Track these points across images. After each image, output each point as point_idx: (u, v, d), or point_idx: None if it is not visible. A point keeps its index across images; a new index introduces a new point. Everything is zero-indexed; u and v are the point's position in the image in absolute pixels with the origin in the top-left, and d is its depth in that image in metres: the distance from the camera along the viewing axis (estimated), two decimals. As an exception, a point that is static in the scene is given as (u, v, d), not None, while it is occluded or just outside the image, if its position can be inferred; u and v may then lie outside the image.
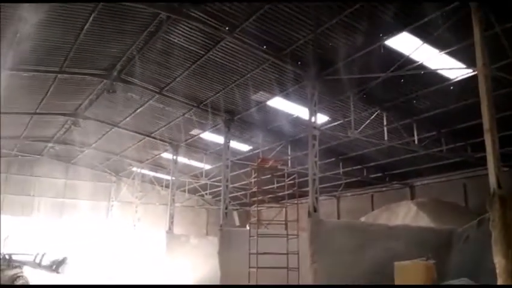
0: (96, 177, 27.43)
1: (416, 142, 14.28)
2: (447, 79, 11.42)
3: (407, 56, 10.37)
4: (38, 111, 17.93)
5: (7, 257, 17.56)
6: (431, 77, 11.44)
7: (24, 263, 17.70)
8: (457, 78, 11.24)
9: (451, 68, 10.85)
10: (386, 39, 10.32)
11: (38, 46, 12.11)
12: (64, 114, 19.04)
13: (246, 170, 20.33)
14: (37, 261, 18.49)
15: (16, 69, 12.81)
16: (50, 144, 23.44)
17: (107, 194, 27.65)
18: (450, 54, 10.33)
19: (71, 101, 17.63)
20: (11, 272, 16.87)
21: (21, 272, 17.04)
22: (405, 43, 10.31)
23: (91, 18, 11.02)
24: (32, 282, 16.91)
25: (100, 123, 19.59)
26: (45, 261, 18.65)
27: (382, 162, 18.14)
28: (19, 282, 16.58)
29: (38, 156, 25.49)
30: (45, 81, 14.99)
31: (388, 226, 12.67)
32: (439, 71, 11.05)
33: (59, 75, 14.52)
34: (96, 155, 24.86)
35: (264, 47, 11.70)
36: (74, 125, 19.50)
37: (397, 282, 10.49)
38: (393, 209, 16.37)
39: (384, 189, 20.49)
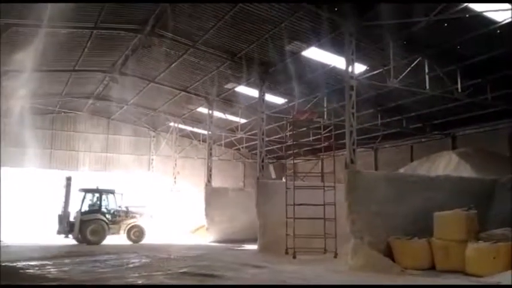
0: (136, 132, 28.23)
1: (459, 90, 13.66)
2: (494, 22, 10.66)
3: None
4: (76, 68, 18.31)
5: (125, 208, 19.88)
6: (476, 21, 10.72)
7: (139, 214, 20.10)
8: (504, 21, 10.47)
9: (497, 10, 10.09)
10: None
11: (74, 3, 12.16)
12: (102, 71, 19.39)
13: (281, 123, 20.27)
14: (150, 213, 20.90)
15: (53, 26, 12.98)
16: (90, 101, 24.12)
17: (147, 148, 28.46)
18: (498, -7, 9.60)
19: (108, 58, 17.86)
20: (129, 221, 19.67)
21: (136, 221, 19.75)
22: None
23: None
24: (145, 229, 19.79)
25: (137, 78, 19.84)
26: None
27: (422, 112, 17.57)
28: (135, 229, 19.58)
29: (80, 113, 26.33)
30: (81, 37, 15.18)
31: (428, 176, 12.43)
32: (484, 14, 10.32)
33: (95, 31, 14.64)
34: (135, 111, 25.44)
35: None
36: (112, 81, 19.89)
37: (436, 232, 10.43)
38: (434, 160, 16.01)
39: (423, 140, 19.98)
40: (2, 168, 19.32)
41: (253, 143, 25.09)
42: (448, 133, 18.89)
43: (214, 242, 19.56)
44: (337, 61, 14.17)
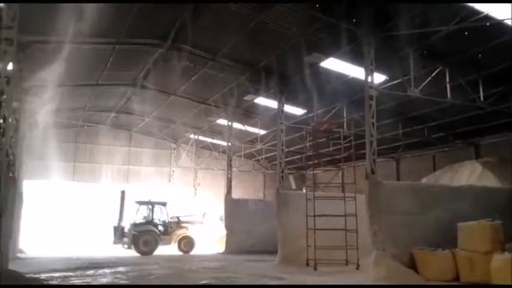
0: (157, 144, 28.58)
1: (482, 99, 13.48)
2: (516, 29, 10.54)
3: (471, 7, 9.65)
4: (99, 82, 18.74)
5: (176, 219, 20.84)
6: (497, 29, 10.59)
7: (191, 223, 21.07)
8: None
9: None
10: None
11: (96, 19, 12.49)
12: (124, 85, 19.79)
13: (301, 133, 20.27)
14: (201, 220, 21.82)
15: (76, 42, 13.34)
16: (112, 114, 24.59)
17: (168, 160, 28.77)
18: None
19: (130, 72, 18.22)
20: (180, 232, 20.65)
21: (187, 232, 20.76)
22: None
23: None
24: (195, 239, 20.71)
25: (158, 92, 20.17)
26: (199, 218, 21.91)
27: (444, 121, 17.34)
28: (185, 240, 20.55)
29: (103, 126, 26.83)
30: (104, 53, 15.55)
31: (451, 186, 12.26)
32: (505, 21, 10.20)
33: (117, 46, 15.00)
34: (156, 123, 25.80)
35: (317, 5, 11.33)
36: (133, 94, 20.25)
37: (460, 243, 10.24)
38: (457, 169, 15.77)
39: (446, 149, 19.69)
40: (26, 180, 19.77)
41: (272, 153, 25.15)
42: (471, 142, 18.58)
43: (233, 252, 19.56)
44: (357, 71, 14.16)
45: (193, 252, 20.39)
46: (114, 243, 19.55)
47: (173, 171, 28.56)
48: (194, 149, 28.17)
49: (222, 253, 20.04)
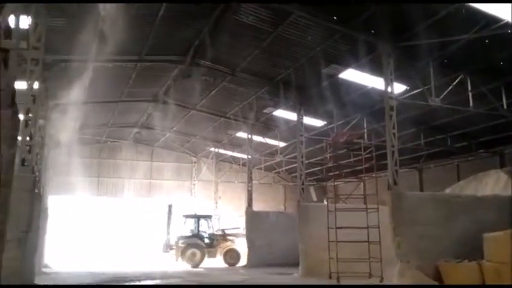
0: (178, 158, 28.91)
1: (505, 107, 13.25)
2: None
3: (491, 15, 9.56)
4: (122, 99, 19.15)
5: (221, 232, 21.54)
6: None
7: (236, 235, 21.53)
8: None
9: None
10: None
11: (118, 38, 12.83)
12: (145, 101, 20.17)
13: (321, 145, 20.20)
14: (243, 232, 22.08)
15: (100, 60, 13.71)
16: (135, 130, 25.03)
17: (189, 173, 29.03)
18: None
19: (151, 88, 18.58)
20: (225, 244, 21.09)
21: (232, 245, 21.16)
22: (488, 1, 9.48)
23: (164, 4, 11.43)
24: (240, 251, 20.88)
25: (178, 107, 20.46)
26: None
27: (467, 130, 17.08)
28: (231, 253, 20.83)
29: (125, 141, 27.30)
30: (127, 70, 15.94)
31: (476, 197, 12.00)
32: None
33: (139, 64, 15.34)
34: (176, 138, 26.13)
35: (334, 17, 11.40)
36: (155, 110, 20.61)
37: (487, 254, 10.00)
38: (481, 179, 15.41)
39: (470, 158, 19.32)
40: (51, 196, 20.18)
41: (293, 165, 25.09)
42: (495, 151, 18.21)
43: (255, 266, 19.47)
44: (376, 82, 14.10)
45: (217, 265, 20.39)
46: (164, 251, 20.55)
47: (194, 185, 28.77)
48: (214, 163, 28.36)
49: (244, 266, 19.97)
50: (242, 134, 23.23)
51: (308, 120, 18.37)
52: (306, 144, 17.74)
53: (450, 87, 12.79)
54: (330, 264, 12.71)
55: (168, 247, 20.42)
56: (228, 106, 20.02)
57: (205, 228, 21.41)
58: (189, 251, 19.86)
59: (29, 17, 9.85)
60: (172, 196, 27.63)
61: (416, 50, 11.63)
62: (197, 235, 20.90)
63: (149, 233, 24.51)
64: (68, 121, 17.35)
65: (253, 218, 20.83)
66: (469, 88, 13.10)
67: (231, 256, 20.83)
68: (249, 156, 22.12)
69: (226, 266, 20.43)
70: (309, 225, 15.30)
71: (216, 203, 27.79)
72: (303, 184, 17.04)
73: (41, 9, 10.37)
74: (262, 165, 26.65)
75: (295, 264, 15.61)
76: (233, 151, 26.98)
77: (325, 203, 16.36)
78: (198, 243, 20.39)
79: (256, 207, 22.30)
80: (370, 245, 12.47)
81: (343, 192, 20.91)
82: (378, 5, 10.50)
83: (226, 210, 27.04)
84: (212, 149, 27.36)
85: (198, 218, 21.59)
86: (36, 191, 11.76)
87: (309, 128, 19.05)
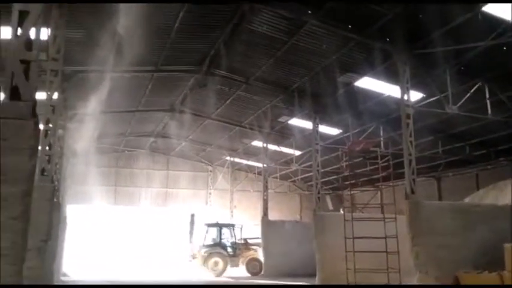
0: (194, 167, 29.03)
1: (525, 113, 13.00)
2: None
3: (508, 22, 9.44)
4: (139, 108, 19.38)
5: (243, 241, 21.48)
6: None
7: (258, 245, 21.31)
8: None
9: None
10: (483, 6, 9.48)
11: (135, 48, 13.02)
12: (162, 110, 20.37)
13: (336, 153, 20.08)
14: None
15: (117, 71, 13.93)
16: (151, 139, 25.27)
17: (205, 182, 29.12)
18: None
19: (167, 97, 18.77)
20: (248, 253, 21.07)
21: (255, 255, 20.95)
22: (505, 7, 9.37)
23: (180, 16, 11.58)
24: (262, 261, 20.53)
25: (194, 116, 20.61)
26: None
27: (486, 138, 16.76)
28: (254, 262, 20.70)
29: (142, 150, 27.56)
30: (144, 80, 16.14)
31: (495, 206, 11.77)
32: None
33: (155, 74, 15.53)
34: (192, 147, 26.27)
35: (349, 26, 11.39)
36: (171, 119, 20.79)
37: (508, 265, 9.76)
38: (501, 188, 15.10)
39: (489, 167, 18.94)
40: (69, 205, 20.45)
41: (308, 174, 24.93)
42: (515, 159, 17.82)
43: (271, 275, 19.33)
44: (392, 90, 14.01)
45: (235, 275, 20.31)
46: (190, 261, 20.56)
47: (210, 194, 28.84)
48: (230, 171, 28.41)
49: (260, 276, 19.86)
50: (257, 143, 23.24)
51: (323, 129, 18.31)
52: (321, 152, 17.65)
53: (468, 95, 12.63)
54: (348, 275, 12.56)
55: (191, 256, 20.48)
56: (243, 115, 20.08)
57: (228, 237, 21.38)
58: (212, 260, 19.89)
59: (48, 29, 10.10)
60: (188, 205, 27.73)
61: (433, 57, 11.52)
62: (220, 244, 20.87)
63: (167, 242, 24.56)
64: (85, 131, 17.60)
65: (269, 227, 20.77)
66: (487, 95, 12.91)
67: (254, 265, 20.71)
68: (265, 165, 22.09)
69: (248, 275, 20.34)
70: (325, 235, 15.17)
71: (232, 212, 27.79)
72: (318, 193, 16.94)
73: (60, 22, 10.60)
74: (278, 174, 26.58)
75: (313, 274, 15.47)
76: (248, 160, 26.98)
77: (342, 212, 16.20)
78: (221, 252, 20.42)
79: (272, 216, 22.21)
80: (389, 256, 12.29)
81: (360, 201, 20.75)
82: (392, 11, 10.46)
83: (242, 219, 26.97)
84: (228, 157, 27.43)
85: (220, 226, 21.62)
86: (55, 200, 11.92)
87: (325, 137, 18.96)
